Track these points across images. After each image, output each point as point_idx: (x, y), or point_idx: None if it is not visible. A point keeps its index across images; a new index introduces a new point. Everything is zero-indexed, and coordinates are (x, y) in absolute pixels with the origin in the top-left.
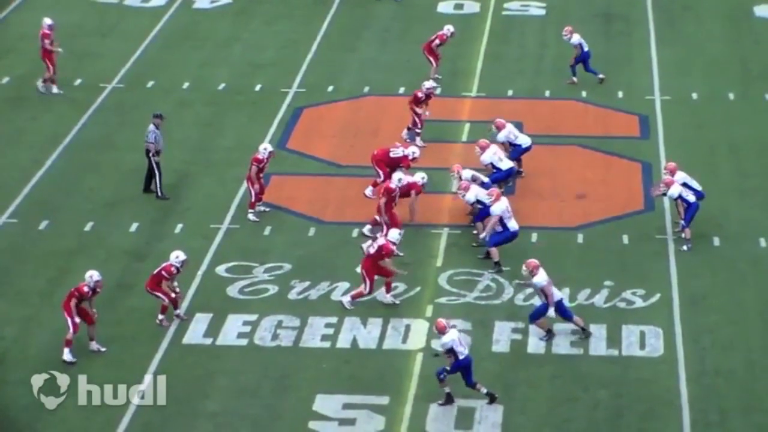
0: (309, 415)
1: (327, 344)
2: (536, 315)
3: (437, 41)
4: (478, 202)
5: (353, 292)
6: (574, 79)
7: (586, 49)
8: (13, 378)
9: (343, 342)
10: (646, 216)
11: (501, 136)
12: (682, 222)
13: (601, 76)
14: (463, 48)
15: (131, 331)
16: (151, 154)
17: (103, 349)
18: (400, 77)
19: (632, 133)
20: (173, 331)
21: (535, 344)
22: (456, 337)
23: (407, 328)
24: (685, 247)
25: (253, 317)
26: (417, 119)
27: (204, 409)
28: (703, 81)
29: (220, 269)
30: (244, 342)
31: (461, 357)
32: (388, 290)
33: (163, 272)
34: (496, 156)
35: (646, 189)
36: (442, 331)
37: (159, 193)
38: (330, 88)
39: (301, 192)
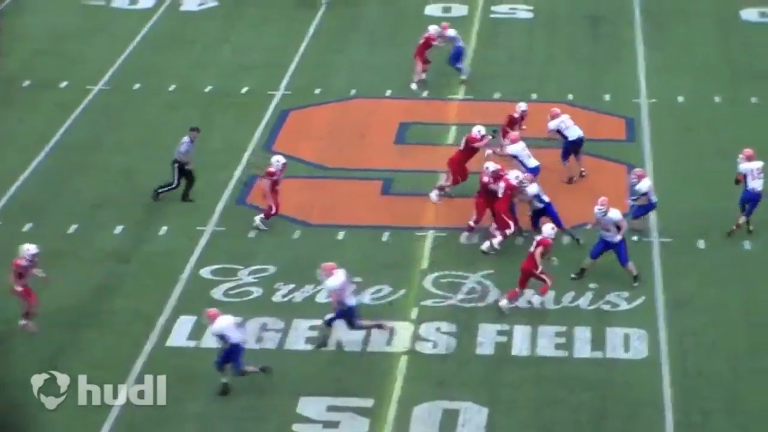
0: (293, 417)
1: (311, 347)
2: (331, 321)
3: (428, 43)
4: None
5: (540, 290)
6: (464, 77)
7: (460, 44)
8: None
9: (328, 344)
10: (631, 219)
11: (553, 124)
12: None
13: (464, 77)
14: (450, 51)
15: (115, 333)
16: (177, 165)
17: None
18: (388, 80)
19: (618, 136)
20: (158, 334)
21: (519, 346)
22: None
23: (392, 330)
24: (635, 238)
25: (238, 320)
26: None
27: (188, 410)
28: (689, 84)
29: (205, 271)
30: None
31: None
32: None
33: (15, 268)
34: (524, 152)
35: (631, 195)
36: (213, 318)
37: (157, 191)
38: (317, 91)
39: (288, 194)
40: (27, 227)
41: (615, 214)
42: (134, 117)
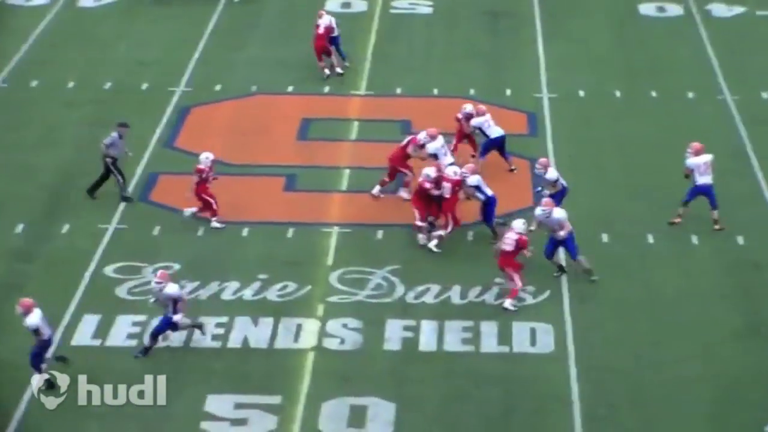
0: (200, 415)
1: (218, 344)
2: (157, 331)
3: (328, 33)
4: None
5: (510, 294)
6: (346, 64)
7: (335, 34)
8: None
9: (234, 342)
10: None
11: (475, 122)
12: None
13: (339, 70)
14: (350, 46)
15: (19, 333)
16: (108, 160)
17: None
18: (288, 75)
19: (520, 130)
20: (61, 333)
21: (426, 342)
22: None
23: (298, 327)
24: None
25: (143, 318)
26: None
27: (92, 410)
28: (589, 78)
29: (109, 270)
30: (133, 343)
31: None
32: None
33: None
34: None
35: (535, 186)
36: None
37: (123, 196)
38: (218, 87)
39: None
40: None
41: (559, 213)
42: (33, 114)
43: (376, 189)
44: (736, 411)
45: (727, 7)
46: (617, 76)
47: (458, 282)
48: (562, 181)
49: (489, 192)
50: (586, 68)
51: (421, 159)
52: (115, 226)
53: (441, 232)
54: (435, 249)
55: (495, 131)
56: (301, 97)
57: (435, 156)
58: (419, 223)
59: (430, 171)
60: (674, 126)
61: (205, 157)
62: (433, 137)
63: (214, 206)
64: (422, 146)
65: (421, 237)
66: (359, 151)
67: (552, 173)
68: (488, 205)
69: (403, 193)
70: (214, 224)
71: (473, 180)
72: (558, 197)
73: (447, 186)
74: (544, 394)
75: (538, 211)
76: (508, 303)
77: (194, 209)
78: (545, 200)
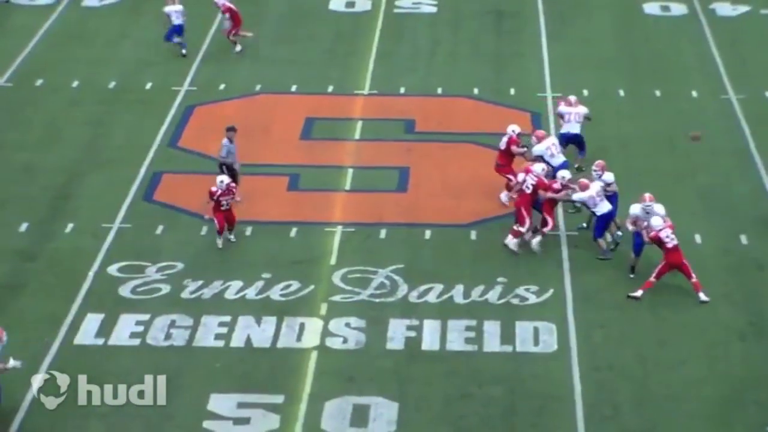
0: (203, 414)
1: (221, 343)
2: None
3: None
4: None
5: (512, 232)
6: (184, 51)
7: (177, 22)
8: None
9: (237, 341)
10: (538, 213)
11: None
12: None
13: (184, 52)
14: (355, 46)
15: (23, 331)
16: (224, 168)
17: None
18: (293, 75)
19: (525, 130)
20: (65, 332)
21: (429, 341)
22: None
23: (301, 326)
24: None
25: (146, 317)
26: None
27: (95, 410)
28: (593, 77)
29: (112, 269)
30: (136, 342)
31: None
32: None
33: None
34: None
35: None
36: None
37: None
38: (222, 86)
39: (194, 190)
40: None
41: (659, 208)
42: (36, 114)
43: (504, 195)
44: (739, 411)
45: (731, 6)
46: (621, 76)
47: (461, 281)
48: (615, 185)
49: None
50: (590, 68)
51: (526, 160)
52: (119, 226)
53: (544, 229)
54: (537, 248)
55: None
56: (304, 97)
57: (540, 158)
58: (521, 229)
59: (538, 168)
60: (678, 125)
61: (220, 182)
62: (540, 139)
63: (217, 227)
64: (524, 146)
65: (510, 240)
66: (362, 151)
67: (609, 176)
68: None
69: (504, 197)
70: (231, 238)
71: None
72: (615, 198)
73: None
74: (548, 393)
75: (636, 208)
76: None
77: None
78: (645, 195)
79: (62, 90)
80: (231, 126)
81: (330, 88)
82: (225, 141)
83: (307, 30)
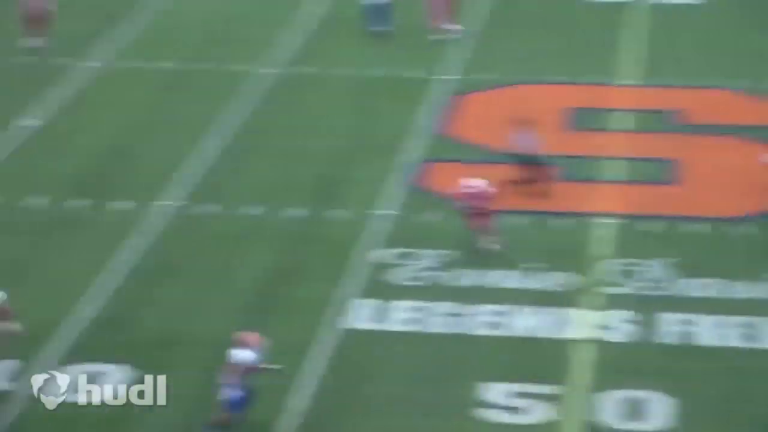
0: (475, 402)
1: (494, 332)
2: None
3: None
4: None
5: None
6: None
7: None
8: None
9: (508, 330)
10: None
11: None
12: None
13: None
14: (613, 36)
15: (294, 317)
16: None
17: None
18: (552, 65)
19: None
20: (335, 318)
21: (705, 336)
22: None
23: (574, 317)
24: None
25: (420, 304)
26: None
27: (366, 393)
28: None
29: (383, 254)
30: (412, 328)
31: None
32: None
33: None
34: None
35: None
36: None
37: None
38: (488, 76)
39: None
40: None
41: None
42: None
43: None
44: (743, 405)
45: None
46: None
47: (736, 276)
48: None
49: None
50: None
51: None
52: (388, 212)
53: None
54: None
55: None
56: (565, 87)
57: None
58: None
59: None
60: None
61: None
62: None
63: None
64: None
65: None
66: (629, 142)
67: None
68: None
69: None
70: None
71: None
72: None
73: None
74: None
75: None
76: None
77: None
78: None
79: (329, 80)
80: (521, 118)
81: (592, 78)
82: (523, 134)
83: (565, 20)
